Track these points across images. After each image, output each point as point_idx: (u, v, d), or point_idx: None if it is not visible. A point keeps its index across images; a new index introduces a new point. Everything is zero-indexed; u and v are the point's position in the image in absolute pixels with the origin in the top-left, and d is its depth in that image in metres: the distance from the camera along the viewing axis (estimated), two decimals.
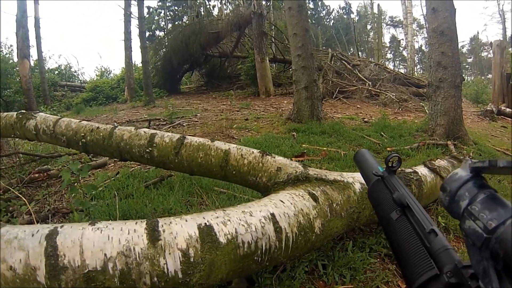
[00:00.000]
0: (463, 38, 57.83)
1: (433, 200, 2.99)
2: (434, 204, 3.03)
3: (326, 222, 1.82)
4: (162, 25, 33.41)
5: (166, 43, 16.90)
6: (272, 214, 1.58)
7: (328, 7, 38.75)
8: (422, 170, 2.85)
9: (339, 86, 12.25)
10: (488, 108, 12.26)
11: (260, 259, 1.50)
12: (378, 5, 45.98)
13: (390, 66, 36.45)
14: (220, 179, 2.52)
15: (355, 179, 2.17)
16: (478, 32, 58.65)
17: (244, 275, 1.62)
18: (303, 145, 5.24)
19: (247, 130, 6.87)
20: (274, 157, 2.23)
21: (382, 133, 6.41)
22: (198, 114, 9.02)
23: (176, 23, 27.76)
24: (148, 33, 32.84)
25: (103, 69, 23.43)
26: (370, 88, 12.34)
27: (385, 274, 2.09)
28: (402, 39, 37.70)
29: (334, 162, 4.50)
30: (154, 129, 7.06)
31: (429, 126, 6.40)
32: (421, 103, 11.55)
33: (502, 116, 12.43)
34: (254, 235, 1.47)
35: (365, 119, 8.36)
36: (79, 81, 21.80)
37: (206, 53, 15.60)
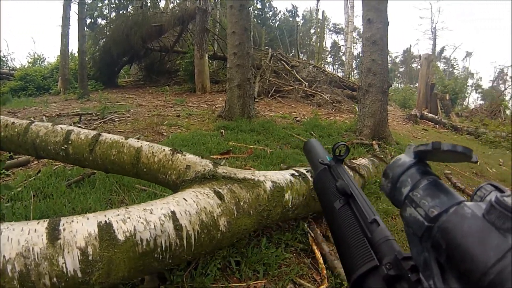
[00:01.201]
0: (397, 49, 62.79)
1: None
2: None
3: (233, 220, 1.84)
4: (105, 13, 31.86)
5: (107, 33, 16.16)
6: (173, 212, 1.59)
7: (275, 9, 39.41)
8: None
9: (276, 85, 12.56)
10: (412, 113, 13.55)
11: (161, 256, 1.51)
12: (323, 11, 47.53)
13: (329, 69, 38.29)
14: (133, 176, 2.54)
15: (267, 177, 2.20)
16: (410, 45, 63.72)
17: (147, 272, 1.62)
18: (230, 143, 5.34)
19: (177, 126, 6.89)
20: (185, 155, 2.26)
21: (312, 132, 6.72)
22: (131, 110, 8.85)
23: (121, 12, 26.56)
24: (90, 20, 31.03)
25: (36, 56, 21.59)
26: (306, 88, 12.79)
27: (300, 268, 2.18)
28: (343, 45, 39.42)
29: (260, 160, 4.63)
30: (85, 124, 7.00)
31: (357, 127, 6.85)
32: (353, 105, 12.15)
33: (424, 120, 13.81)
34: (153, 233, 1.48)
35: (297, 118, 8.69)
36: (7, 68, 19.67)
37: (147, 46, 15.13)
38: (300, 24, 41.79)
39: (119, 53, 14.58)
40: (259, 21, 32.29)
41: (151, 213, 1.55)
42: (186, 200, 1.72)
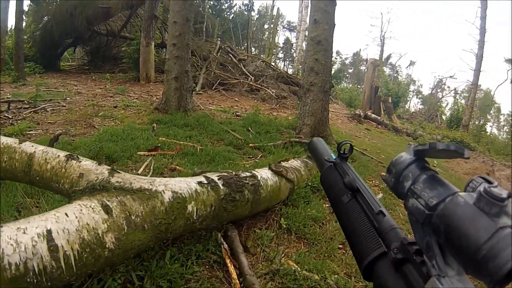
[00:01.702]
0: (348, 51, 66.75)
1: (277, 203, 3.10)
2: (279, 205, 3.15)
3: (122, 235, 1.72)
4: None
5: (51, 9, 14.77)
6: (49, 231, 1.47)
7: (231, 1, 39.13)
8: (264, 173, 2.93)
9: (221, 78, 12.39)
10: (357, 112, 13.96)
11: (35, 280, 1.38)
12: (278, 8, 48.66)
13: (280, 65, 39.57)
14: (28, 183, 2.37)
15: (168, 187, 2.08)
16: (360, 49, 68.99)
17: None
18: (161, 138, 5.17)
19: (112, 119, 6.60)
20: (80, 162, 2.12)
21: (250, 128, 6.64)
22: (68, 98, 8.34)
23: None
24: None
25: None
26: (251, 83, 12.74)
27: (210, 283, 2.09)
28: (294, 43, 40.41)
29: (188, 157, 4.52)
30: (13, 113, 6.48)
31: (297, 125, 6.84)
32: (298, 101, 12.34)
33: (368, 120, 14.39)
34: (23, 256, 1.35)
35: (238, 113, 8.60)
36: None
37: (92, 29, 14.32)
38: (255, 19, 42.09)
39: (62, 34, 13.63)
40: (214, 12, 31.80)
41: (24, 232, 1.42)
42: (67, 216, 1.59)
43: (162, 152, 4.63)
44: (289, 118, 8.87)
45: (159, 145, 4.83)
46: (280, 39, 48.47)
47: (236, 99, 11.27)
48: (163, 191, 2.03)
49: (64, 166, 2.10)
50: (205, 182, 2.35)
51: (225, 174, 2.60)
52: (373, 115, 14.72)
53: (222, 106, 9.58)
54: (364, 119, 14.08)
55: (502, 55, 58.58)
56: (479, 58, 20.47)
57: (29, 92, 8.57)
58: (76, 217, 1.61)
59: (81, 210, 1.67)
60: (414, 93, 48.90)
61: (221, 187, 2.40)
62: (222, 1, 34.95)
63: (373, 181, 5.13)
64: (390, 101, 16.83)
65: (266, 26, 45.07)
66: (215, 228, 2.55)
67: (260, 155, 5.17)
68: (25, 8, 15.08)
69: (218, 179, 2.47)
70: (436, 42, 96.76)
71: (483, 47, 20.32)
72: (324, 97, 6.61)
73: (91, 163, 2.13)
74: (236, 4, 43.79)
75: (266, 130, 6.68)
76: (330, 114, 13.20)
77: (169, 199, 2.02)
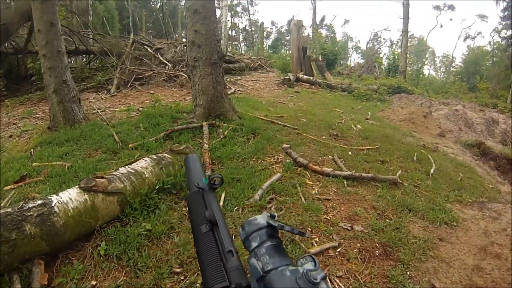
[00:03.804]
0: (282, 20, 68.62)
1: (100, 224, 2.76)
2: (108, 224, 2.84)
3: None
4: None
5: None
6: None
7: None
8: (67, 194, 2.61)
9: (136, 73, 11.81)
10: (285, 77, 13.62)
11: None
12: None
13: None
14: None
15: None
16: (293, 16, 67.15)
17: None
18: (34, 164, 4.78)
19: (2, 151, 6.06)
20: None
21: (140, 125, 6.18)
22: None
23: None
24: None
25: None
26: (166, 71, 12.25)
27: None
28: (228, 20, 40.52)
29: (52, 179, 4.20)
30: None
31: (193, 107, 6.38)
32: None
33: (300, 83, 14.05)
34: None
35: (140, 108, 8.16)
36: None
37: None
38: (183, 5, 40.27)
39: None
40: (140, 5, 30.56)
41: None
42: None
43: (29, 181, 4.31)
44: None
45: (25, 174, 4.45)
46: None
47: (151, 91, 10.78)
48: None
49: None
50: None
51: (7, 211, 2.28)
52: (305, 77, 14.36)
53: (132, 104, 9.11)
54: (296, 82, 13.80)
55: (430, 3, 60.09)
56: (406, 6, 21.45)
57: None
58: None
59: None
60: (353, 49, 51.76)
61: None
62: None
63: (275, 157, 4.84)
64: (320, 59, 16.47)
65: None
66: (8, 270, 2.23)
67: (137, 156, 4.80)
68: None
69: None
70: None
71: None
72: (213, 70, 6.00)
73: None
74: None
75: (157, 122, 6.22)
76: (258, 84, 13.12)
77: None
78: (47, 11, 6.19)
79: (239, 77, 14.28)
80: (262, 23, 47.24)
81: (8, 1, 12.96)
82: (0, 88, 15.60)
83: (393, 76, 19.26)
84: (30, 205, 2.39)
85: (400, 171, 4.79)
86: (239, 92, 11.23)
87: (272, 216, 0.75)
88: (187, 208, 1.14)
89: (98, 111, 7.85)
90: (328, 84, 13.83)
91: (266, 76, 15.85)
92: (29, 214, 2.31)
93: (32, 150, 5.40)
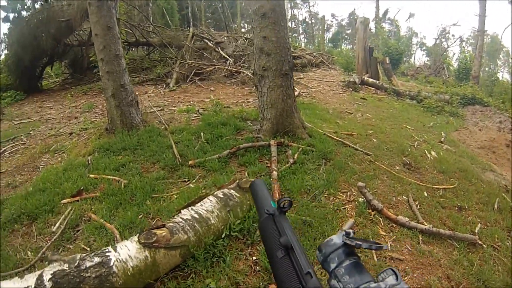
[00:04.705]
0: (343, 13, 63.93)
1: (155, 279, 2.44)
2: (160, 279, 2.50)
3: None
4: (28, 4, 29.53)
5: (15, 36, 14.29)
6: None
7: None
8: (126, 250, 2.29)
9: (196, 67, 11.48)
10: (351, 80, 12.72)
11: None
12: None
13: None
14: None
15: None
16: (355, 9, 67.16)
17: None
18: (91, 175, 4.58)
19: (61, 152, 6.04)
20: None
21: (202, 134, 5.77)
22: (32, 131, 7.66)
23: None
24: (13, 14, 28.91)
25: None
26: (227, 67, 11.77)
27: None
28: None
29: (109, 198, 3.98)
30: None
31: (259, 120, 5.83)
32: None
33: (365, 86, 13.09)
34: None
35: (201, 110, 7.77)
36: None
37: (63, 43, 13.74)
38: None
39: (32, 57, 13.05)
40: None
41: None
42: None
43: (85, 196, 4.14)
44: None
45: (82, 188, 4.26)
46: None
47: (212, 88, 10.42)
48: None
49: None
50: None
51: (63, 268, 1.95)
52: (370, 80, 13.26)
53: (191, 102, 8.81)
54: (361, 85, 12.83)
55: None
56: (483, 2, 18.62)
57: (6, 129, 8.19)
58: None
59: None
60: (418, 46, 46.91)
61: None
62: None
63: (348, 194, 4.24)
64: (387, 61, 15.00)
65: None
66: None
67: (198, 175, 4.43)
68: None
69: (49, 279, 1.96)
70: None
71: None
72: (283, 82, 5.40)
73: None
74: None
75: (219, 133, 5.74)
76: (322, 86, 12.39)
77: None
78: (103, 15, 5.96)
79: (301, 75, 13.60)
80: (323, 17, 45.73)
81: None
82: (66, 77, 16.36)
83: (465, 80, 17.48)
84: (88, 264, 2.12)
85: (479, 225, 4.12)
86: (303, 94, 10.59)
87: (347, 234, 0.77)
88: (260, 236, 0.97)
89: (156, 111, 7.60)
90: (395, 90, 12.63)
91: (329, 74, 15.07)
92: (87, 275, 2.07)
93: (89, 158, 5.21)
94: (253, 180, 1.13)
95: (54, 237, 3.39)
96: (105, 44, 5.96)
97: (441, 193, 4.78)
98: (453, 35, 40.79)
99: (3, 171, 5.63)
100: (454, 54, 32.82)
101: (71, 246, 3.33)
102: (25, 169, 5.56)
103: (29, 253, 3.25)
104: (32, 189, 4.44)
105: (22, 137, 7.35)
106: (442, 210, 4.33)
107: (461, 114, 11.24)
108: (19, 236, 3.56)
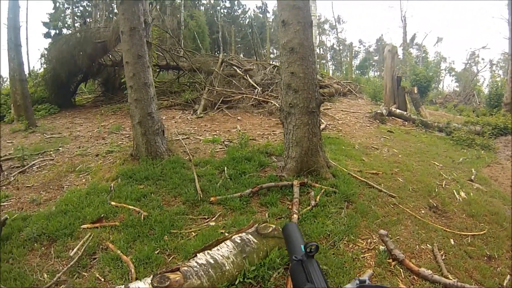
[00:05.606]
0: (370, 39, 64.98)
1: None
2: None
3: None
4: (69, 23, 31.21)
5: (54, 53, 15.19)
6: None
7: (244, 6, 38.71)
8: None
9: (224, 95, 11.61)
10: (378, 111, 12.51)
11: None
12: None
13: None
14: None
15: None
16: (382, 34, 64.69)
17: None
18: (112, 203, 4.65)
19: (86, 173, 6.20)
20: None
21: (226, 169, 5.73)
22: (61, 148, 7.96)
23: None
24: (54, 31, 30.60)
25: None
26: (255, 96, 11.80)
27: None
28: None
29: (127, 229, 4.02)
30: (4, 176, 6.18)
31: (284, 157, 5.70)
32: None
33: (392, 117, 12.83)
34: None
35: (227, 141, 7.82)
36: None
37: (98, 62, 14.35)
38: (271, 20, 40.65)
39: (67, 74, 13.73)
40: (229, 20, 31.29)
41: None
42: None
43: (105, 224, 4.21)
44: None
45: (102, 216, 4.33)
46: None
47: (239, 117, 10.46)
48: None
49: None
50: None
51: None
52: (398, 111, 12.99)
53: (217, 131, 8.89)
54: (388, 116, 12.61)
55: None
56: None
57: (32, 144, 8.55)
58: None
59: None
60: (447, 71, 45.20)
61: None
62: (235, 7, 34.45)
63: (368, 241, 4.08)
64: (416, 91, 14.57)
65: None
66: None
67: (218, 214, 4.40)
68: None
69: None
70: (462, 13, 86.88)
71: None
72: (310, 120, 5.27)
73: None
74: (249, 8, 43.22)
75: (243, 169, 5.68)
76: (349, 118, 12.24)
77: None
78: (135, 44, 6.14)
79: (329, 105, 13.52)
80: (351, 43, 45.94)
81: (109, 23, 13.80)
82: (98, 95, 16.98)
83: (496, 105, 16.58)
84: None
85: (508, 276, 3.82)
86: (330, 127, 10.47)
87: (362, 282, 0.84)
88: (291, 279, 0.94)
89: (182, 139, 7.70)
90: (423, 122, 12.24)
91: (356, 104, 14.95)
92: None
93: (112, 184, 5.27)
94: (286, 224, 1.14)
95: (71, 263, 3.44)
96: (135, 72, 6.12)
97: (469, 241, 4.50)
98: (482, 59, 39.66)
99: (29, 185, 5.85)
100: (484, 79, 31.75)
101: (86, 274, 3.36)
102: (51, 187, 5.74)
103: (45, 275, 3.32)
104: (55, 210, 4.58)
105: (51, 152, 7.62)
106: (469, 261, 4.05)
107: (493, 146, 10.60)
108: (38, 256, 3.66)
